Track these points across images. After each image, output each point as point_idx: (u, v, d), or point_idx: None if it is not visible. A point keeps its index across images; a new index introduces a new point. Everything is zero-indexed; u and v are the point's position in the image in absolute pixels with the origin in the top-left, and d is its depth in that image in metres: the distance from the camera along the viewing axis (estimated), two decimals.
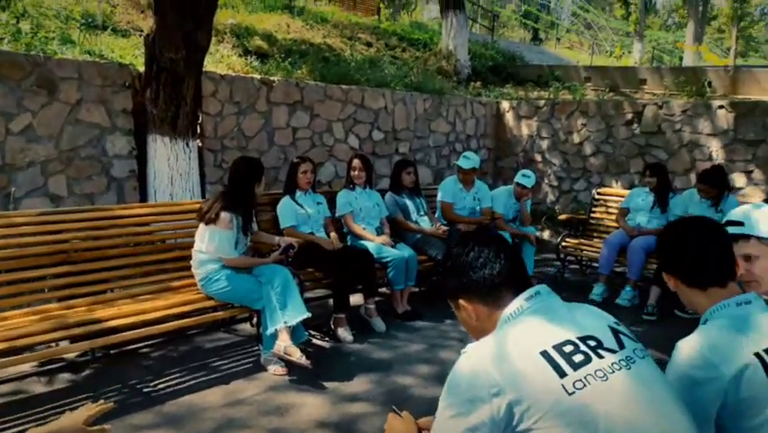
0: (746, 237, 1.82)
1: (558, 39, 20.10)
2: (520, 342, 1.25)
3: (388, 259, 4.24)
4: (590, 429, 1.14)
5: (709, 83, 8.16)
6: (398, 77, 7.57)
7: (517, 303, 1.34)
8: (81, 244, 3.40)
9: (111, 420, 2.67)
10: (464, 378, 1.24)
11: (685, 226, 1.68)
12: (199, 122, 5.45)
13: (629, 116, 7.08)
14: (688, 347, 1.51)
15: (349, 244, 4.50)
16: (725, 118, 6.44)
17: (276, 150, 6.02)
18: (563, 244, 5.53)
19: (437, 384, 3.21)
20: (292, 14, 9.29)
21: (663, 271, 1.74)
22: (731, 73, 8.14)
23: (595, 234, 5.71)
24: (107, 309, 3.14)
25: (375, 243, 4.33)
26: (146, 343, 3.57)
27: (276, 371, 3.27)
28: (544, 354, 1.21)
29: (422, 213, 4.86)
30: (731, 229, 1.83)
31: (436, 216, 5.17)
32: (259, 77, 5.93)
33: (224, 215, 3.24)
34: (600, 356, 1.23)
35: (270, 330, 3.24)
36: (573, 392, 1.16)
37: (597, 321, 1.35)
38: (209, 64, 5.93)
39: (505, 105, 8.16)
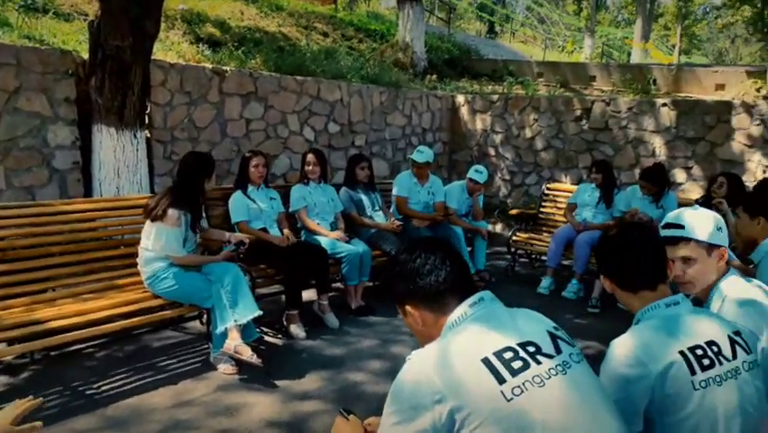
0: (686, 240, 1.91)
1: (513, 32, 20.41)
2: (462, 350, 1.28)
3: (342, 254, 4.24)
4: None
5: (654, 81, 8.48)
6: (355, 68, 7.53)
7: (461, 310, 1.38)
8: (20, 241, 3.25)
9: (52, 425, 2.60)
10: (408, 385, 1.27)
11: (620, 234, 1.77)
12: (147, 112, 5.28)
13: (578, 113, 7.29)
14: (620, 346, 1.60)
15: (303, 239, 4.47)
16: (667, 116, 6.71)
17: (228, 142, 5.90)
18: (514, 238, 5.67)
19: (389, 380, 3.22)
20: (246, 1, 9.08)
21: (601, 274, 1.83)
22: (674, 72, 8.48)
23: (544, 229, 5.88)
24: (47, 310, 3.02)
25: (329, 238, 4.31)
26: (90, 343, 3.46)
27: (226, 370, 3.23)
28: (485, 361, 1.25)
29: (377, 208, 4.87)
30: (671, 232, 1.94)
31: (391, 210, 5.20)
32: (211, 66, 5.78)
33: (172, 212, 3.16)
34: (538, 362, 1.28)
35: (220, 329, 3.19)
36: (512, 399, 1.21)
37: (536, 326, 1.40)
38: (158, 52, 5.74)
39: (460, 99, 8.25)
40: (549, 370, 1.28)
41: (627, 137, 6.98)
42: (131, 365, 3.26)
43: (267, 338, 3.77)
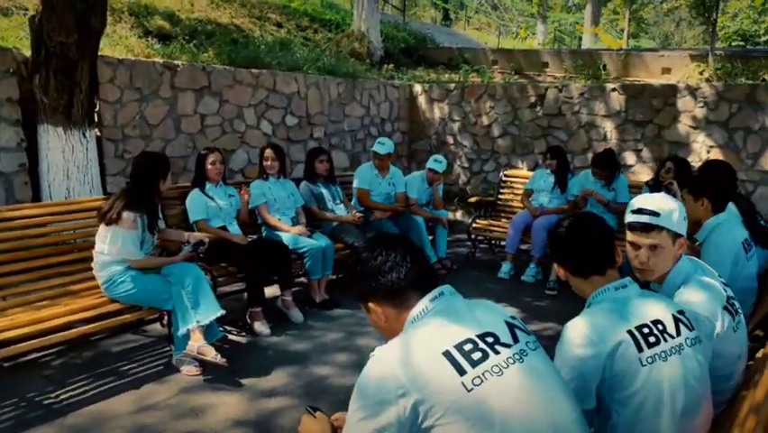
0: (659, 228, 1.96)
1: (468, 19, 20.55)
2: (424, 344, 1.32)
3: (304, 249, 4.23)
4: (487, 423, 1.24)
5: (604, 66, 8.72)
6: (311, 60, 7.46)
7: (422, 304, 1.42)
8: None
9: None
10: (372, 382, 1.31)
11: (571, 225, 1.84)
12: (96, 110, 5.12)
13: (533, 99, 7.43)
14: (573, 329, 1.69)
15: (264, 235, 4.44)
16: (617, 100, 6.92)
17: (183, 138, 5.78)
18: (474, 225, 5.77)
19: (355, 373, 3.27)
20: None
21: (555, 263, 1.91)
22: (623, 57, 8.73)
23: (503, 215, 6.00)
24: None
25: (291, 233, 4.30)
26: (45, 352, 3.35)
27: (189, 371, 3.19)
28: (446, 353, 1.30)
29: (338, 201, 4.87)
30: (646, 218, 1.97)
31: (352, 203, 5.21)
32: (161, 61, 5.64)
33: (127, 214, 3.08)
34: (497, 352, 1.33)
35: (182, 330, 3.15)
36: (472, 389, 1.26)
37: (494, 317, 1.45)
38: (105, 47, 5.56)
39: (417, 88, 8.29)
40: (507, 359, 1.33)
41: (580, 122, 7.17)
42: (90, 372, 3.18)
43: (230, 337, 3.73)
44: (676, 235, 1.99)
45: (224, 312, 3.26)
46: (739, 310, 2.00)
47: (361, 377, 1.34)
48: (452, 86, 8.04)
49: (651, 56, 8.74)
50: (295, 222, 4.51)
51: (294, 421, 2.73)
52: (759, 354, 2.15)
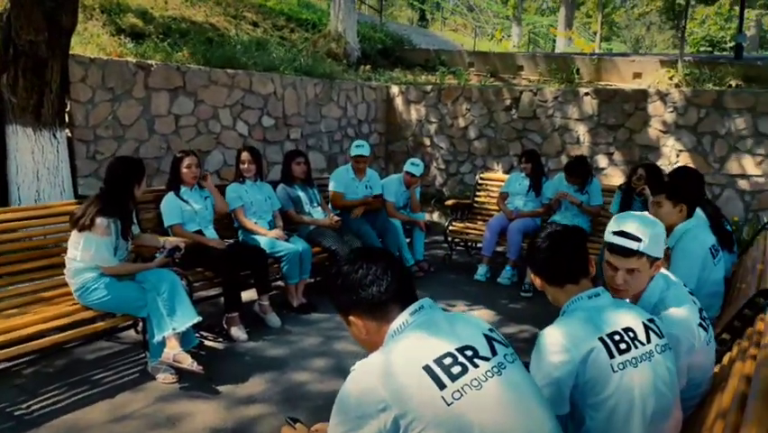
0: (640, 254, 1.97)
1: (444, 20, 20.66)
2: (405, 358, 1.34)
3: (281, 253, 4.21)
4: None
5: (578, 70, 8.87)
6: (288, 60, 7.41)
7: (403, 318, 1.44)
8: None
9: None
10: (354, 396, 1.33)
11: (546, 237, 1.89)
12: (67, 110, 5.02)
13: (508, 102, 7.53)
14: (548, 336, 1.74)
15: (240, 239, 4.41)
16: (590, 104, 7.05)
17: (157, 139, 5.69)
18: (450, 228, 5.82)
19: (334, 378, 3.28)
20: None
21: (532, 273, 1.96)
22: (596, 62, 8.89)
23: (479, 218, 6.06)
24: None
25: (268, 237, 4.27)
26: (16, 361, 3.26)
27: (165, 379, 3.15)
28: (426, 368, 1.31)
29: (315, 204, 4.86)
30: (626, 243, 1.96)
31: (330, 206, 5.20)
32: (134, 60, 5.54)
33: (100, 220, 3.02)
34: (476, 365, 1.36)
35: (158, 338, 3.10)
36: (452, 403, 1.28)
37: (473, 330, 1.47)
38: (76, 45, 5.44)
39: (394, 89, 8.31)
40: (486, 372, 1.35)
41: (554, 125, 7.28)
42: (63, 381, 3.11)
43: (207, 343, 3.70)
44: (655, 259, 2.01)
45: (200, 319, 3.23)
46: (710, 325, 2.07)
47: (342, 391, 1.35)
48: (429, 87, 8.09)
49: (623, 61, 8.92)
50: (272, 225, 4.48)
51: (272, 429, 2.73)
52: (725, 360, 2.23)
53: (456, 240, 5.98)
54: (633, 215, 2.08)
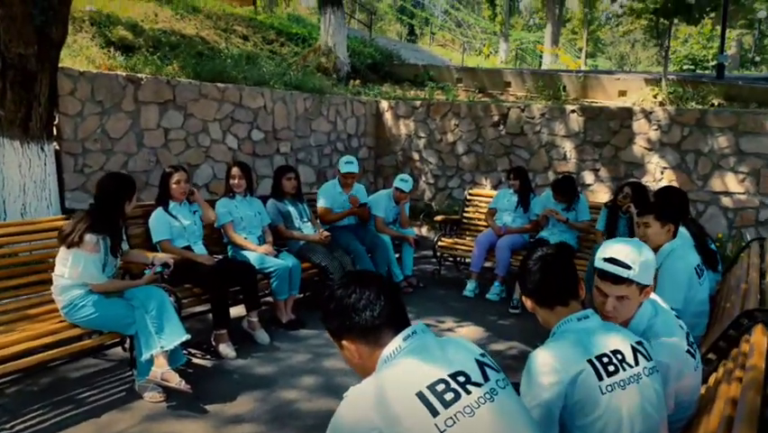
0: (630, 282, 1.98)
1: (432, 34, 20.87)
2: (397, 385, 1.35)
3: (270, 269, 4.19)
4: None
5: (564, 87, 9.02)
6: (278, 74, 7.44)
7: (396, 343, 1.45)
8: None
9: None
10: (347, 423, 1.34)
11: (538, 260, 1.92)
12: (56, 123, 4.99)
13: (496, 118, 7.61)
14: (538, 358, 1.77)
15: (230, 254, 4.39)
16: (576, 121, 7.16)
17: (146, 152, 5.67)
18: (439, 243, 5.84)
19: (323, 396, 3.27)
20: (160, 2, 8.72)
21: (523, 295, 1.98)
22: (582, 79, 9.04)
23: (467, 233, 6.10)
24: None
25: (257, 253, 4.26)
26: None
27: (152, 397, 3.11)
28: (420, 394, 1.33)
29: (305, 219, 4.86)
30: (616, 270, 1.98)
31: (319, 221, 5.20)
32: (124, 74, 5.53)
33: (90, 237, 2.99)
34: (468, 392, 1.37)
35: (146, 356, 3.07)
36: (444, 430, 1.30)
37: (465, 355, 1.48)
38: (65, 57, 5.42)
39: (384, 104, 8.37)
40: (478, 399, 1.37)
41: (541, 142, 7.37)
42: (47, 400, 3.06)
43: (195, 360, 3.66)
44: (644, 287, 2.03)
45: (188, 337, 3.19)
46: (697, 350, 2.10)
47: (336, 418, 1.36)
48: (418, 103, 8.16)
49: (608, 79, 9.08)
50: (261, 241, 4.47)
51: None
52: (711, 381, 2.26)
53: (445, 255, 6.00)
54: (623, 241, 2.10)
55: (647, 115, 6.76)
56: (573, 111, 7.19)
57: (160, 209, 3.94)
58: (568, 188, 5.20)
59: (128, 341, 3.40)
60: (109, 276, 3.18)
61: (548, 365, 1.71)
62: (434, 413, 1.30)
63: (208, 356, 3.73)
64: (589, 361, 1.70)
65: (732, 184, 6.32)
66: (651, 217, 3.14)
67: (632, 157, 6.85)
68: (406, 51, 13.77)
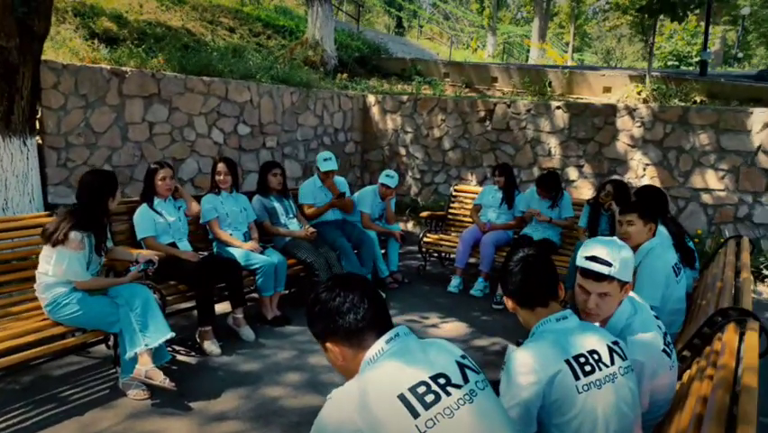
0: (611, 279, 2.06)
1: (420, 27, 20.84)
2: (380, 387, 1.39)
3: (256, 266, 4.20)
4: None
5: (550, 83, 9.07)
6: (264, 68, 7.40)
7: (378, 346, 1.48)
8: None
9: None
10: (330, 425, 1.37)
11: (519, 261, 1.96)
12: (38, 117, 4.94)
13: (482, 114, 7.64)
14: (517, 358, 1.82)
15: (215, 251, 4.39)
16: (561, 118, 7.21)
17: (130, 147, 5.63)
18: (425, 239, 5.88)
19: (308, 393, 3.29)
20: None
21: (504, 295, 2.02)
22: (567, 75, 9.10)
23: (452, 229, 6.15)
24: None
25: (243, 249, 4.26)
26: None
27: (136, 395, 3.11)
28: (401, 397, 1.36)
29: (291, 215, 4.86)
30: (598, 267, 2.05)
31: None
32: (108, 67, 5.47)
33: (74, 235, 2.98)
34: (448, 393, 1.41)
35: (130, 354, 3.07)
36: (425, 431, 1.34)
37: (446, 358, 1.52)
38: (48, 50, 5.36)
39: (371, 99, 8.36)
40: (458, 400, 1.41)
41: (526, 138, 7.42)
42: (29, 398, 3.05)
43: (179, 357, 3.66)
44: (624, 283, 2.10)
45: (173, 335, 3.20)
46: (673, 349, 2.16)
47: (319, 420, 1.39)
48: (405, 97, 8.16)
49: (593, 75, 9.14)
50: (247, 237, 4.47)
51: None
52: (685, 377, 2.32)
53: (430, 251, 6.04)
54: (603, 240, 2.17)
55: (631, 112, 6.83)
56: (558, 107, 7.24)
57: (144, 206, 3.93)
58: (552, 184, 5.26)
59: (112, 339, 3.40)
60: (93, 274, 3.18)
61: (527, 366, 1.76)
62: (415, 415, 1.34)
63: (193, 353, 3.73)
64: (567, 361, 1.75)
65: (712, 181, 6.43)
66: (635, 216, 3.20)
67: (615, 154, 6.92)
68: (394, 45, 13.75)
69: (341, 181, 5.40)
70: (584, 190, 7.01)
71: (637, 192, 4.20)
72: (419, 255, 6.10)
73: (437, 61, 11.07)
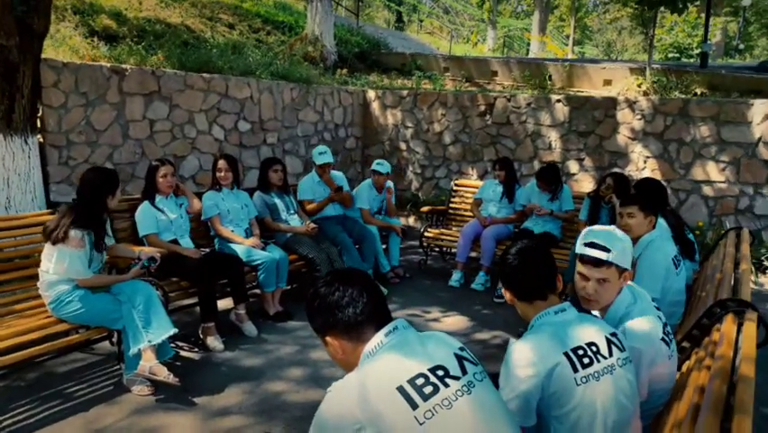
0: (609, 264, 2.09)
1: (420, 22, 20.78)
2: (379, 379, 1.41)
3: (258, 261, 4.22)
4: None
5: (550, 77, 9.05)
6: (264, 64, 7.40)
7: (377, 339, 1.50)
8: None
9: None
10: (331, 417, 1.40)
11: (518, 254, 1.96)
12: (39, 115, 4.95)
13: (482, 108, 7.64)
14: (516, 351, 1.83)
15: (217, 247, 4.41)
16: (562, 111, 7.21)
17: (131, 144, 5.64)
18: (426, 234, 5.89)
19: (310, 388, 3.32)
20: None
21: (503, 288, 2.03)
22: (567, 68, 9.08)
23: (453, 224, 6.16)
24: None
25: (244, 245, 4.28)
26: None
27: (140, 391, 3.14)
28: (400, 389, 1.38)
29: (291, 211, 4.88)
30: (596, 253, 2.09)
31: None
32: (109, 65, 5.48)
33: (74, 233, 3.00)
34: (447, 385, 1.43)
35: (134, 350, 3.09)
36: (423, 422, 1.35)
37: (444, 350, 1.54)
38: (48, 48, 5.37)
39: (371, 94, 8.36)
40: (456, 392, 1.42)
41: (527, 131, 7.42)
42: (34, 395, 3.08)
43: (183, 353, 3.69)
44: (623, 270, 2.12)
45: (176, 331, 3.22)
46: (672, 339, 2.17)
47: (320, 412, 1.42)
48: (405, 92, 8.16)
49: (593, 68, 9.13)
50: (248, 233, 4.49)
51: None
52: (684, 368, 2.34)
53: (431, 246, 6.06)
54: (602, 228, 2.20)
55: (631, 104, 6.82)
56: (559, 101, 7.23)
57: (146, 203, 3.95)
58: (552, 177, 5.27)
59: (116, 335, 3.43)
60: (95, 271, 3.20)
61: (526, 359, 1.78)
62: (414, 406, 1.36)
63: (196, 349, 3.76)
64: (565, 354, 1.77)
65: (713, 173, 6.43)
66: (635, 208, 3.22)
67: (616, 146, 6.92)
68: (394, 40, 13.72)
69: (338, 176, 5.42)
70: (585, 184, 7.01)
71: (637, 185, 4.20)
72: (420, 250, 6.12)
73: (437, 56, 11.05)
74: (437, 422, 1.36)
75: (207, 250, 4.20)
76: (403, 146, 8.21)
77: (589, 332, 1.85)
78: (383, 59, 10.60)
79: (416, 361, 1.45)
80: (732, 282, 2.86)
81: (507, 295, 2.02)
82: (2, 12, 4.26)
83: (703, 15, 12.20)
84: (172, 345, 3.51)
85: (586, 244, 2.13)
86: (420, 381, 1.41)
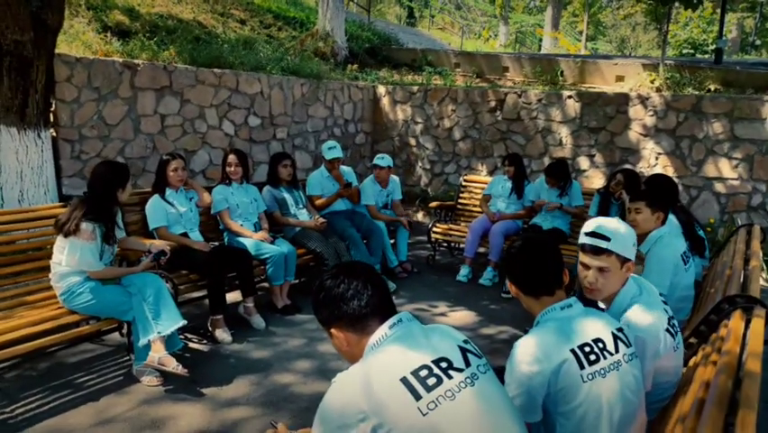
0: (608, 252, 2.09)
1: (432, 17, 20.70)
2: (383, 370, 1.42)
3: (266, 255, 4.25)
4: None
5: (562, 72, 8.98)
6: (275, 60, 7.43)
7: (382, 331, 1.51)
8: None
9: None
10: (335, 407, 1.41)
11: (523, 248, 1.96)
12: (52, 110, 5.02)
13: (493, 104, 7.61)
14: (522, 347, 1.82)
15: (226, 241, 4.44)
16: (573, 107, 7.16)
17: (143, 139, 5.70)
18: (434, 229, 5.89)
19: (317, 380, 3.34)
20: None
21: (508, 281, 2.03)
22: (579, 64, 9.01)
23: (462, 219, 6.15)
24: None
25: (253, 239, 4.31)
26: None
27: (150, 381, 3.18)
28: (403, 380, 1.39)
29: (300, 206, 4.90)
30: (596, 241, 2.11)
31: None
32: (121, 60, 5.53)
33: (85, 226, 3.04)
34: (450, 377, 1.44)
35: (143, 341, 3.14)
36: (427, 413, 1.36)
37: (448, 342, 1.55)
38: (61, 43, 5.43)
39: (381, 89, 8.36)
40: (459, 383, 1.43)
41: (537, 127, 7.39)
42: (46, 384, 3.13)
43: (192, 345, 3.73)
44: (625, 260, 2.12)
45: (185, 323, 3.26)
46: (678, 331, 2.16)
47: (324, 402, 1.43)
48: (416, 88, 8.15)
49: (606, 64, 9.04)
50: (257, 228, 4.52)
51: (255, 432, 2.79)
52: (690, 363, 2.33)
53: (439, 241, 6.06)
54: (603, 218, 2.21)
55: (643, 100, 6.76)
56: (570, 97, 7.18)
57: (156, 196, 3.99)
58: (561, 173, 5.24)
59: (125, 327, 3.47)
60: (106, 263, 3.24)
61: (531, 355, 1.77)
62: (417, 397, 1.37)
63: (205, 341, 3.80)
64: (572, 351, 1.75)
65: (725, 170, 6.35)
66: (642, 204, 3.20)
67: (627, 143, 6.87)
68: (405, 35, 13.69)
69: (347, 171, 5.44)
70: (595, 180, 6.96)
71: (647, 181, 4.17)
72: (428, 245, 6.12)
73: (448, 51, 11.01)
74: (440, 413, 1.37)
75: (217, 243, 4.24)
76: (413, 142, 8.20)
77: (596, 327, 1.84)
78: (394, 54, 10.58)
79: (419, 353, 1.46)
80: (741, 279, 2.84)
81: (513, 289, 2.01)
82: (17, 7, 4.31)
83: (719, 11, 12.04)
84: (181, 336, 3.56)
85: (587, 234, 2.15)
86: (424, 372, 1.41)
